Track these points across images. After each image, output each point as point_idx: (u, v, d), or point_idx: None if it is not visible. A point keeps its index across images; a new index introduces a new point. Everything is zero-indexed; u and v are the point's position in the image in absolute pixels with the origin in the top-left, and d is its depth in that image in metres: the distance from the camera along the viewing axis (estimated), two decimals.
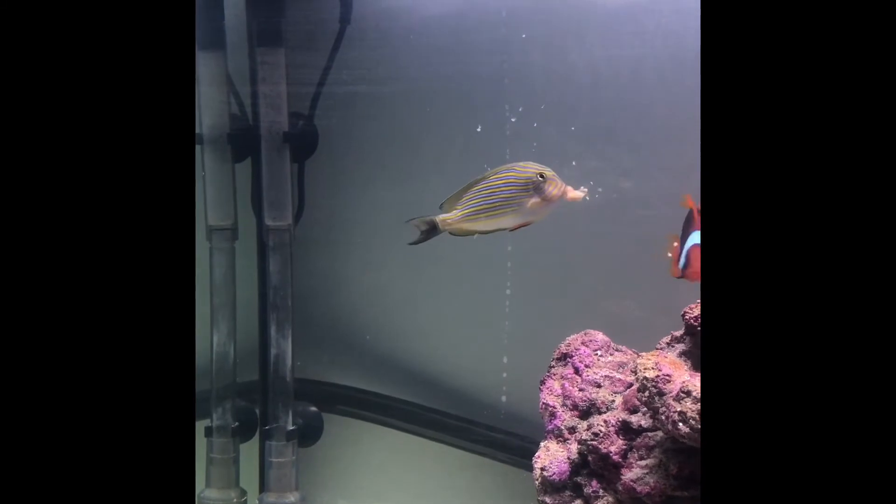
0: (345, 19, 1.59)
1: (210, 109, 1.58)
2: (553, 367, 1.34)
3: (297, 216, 1.65)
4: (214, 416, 1.64)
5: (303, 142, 1.63)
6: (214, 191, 1.61)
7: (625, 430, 1.19)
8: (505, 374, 1.65)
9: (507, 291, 1.64)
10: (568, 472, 1.22)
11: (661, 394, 1.08)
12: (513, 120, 1.59)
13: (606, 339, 1.36)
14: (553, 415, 1.29)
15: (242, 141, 1.60)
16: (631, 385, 1.26)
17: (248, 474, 1.67)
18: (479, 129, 1.60)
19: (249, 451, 1.68)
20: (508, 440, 1.62)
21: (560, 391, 1.30)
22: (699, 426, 1.04)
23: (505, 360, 1.65)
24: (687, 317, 1.16)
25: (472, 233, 1.24)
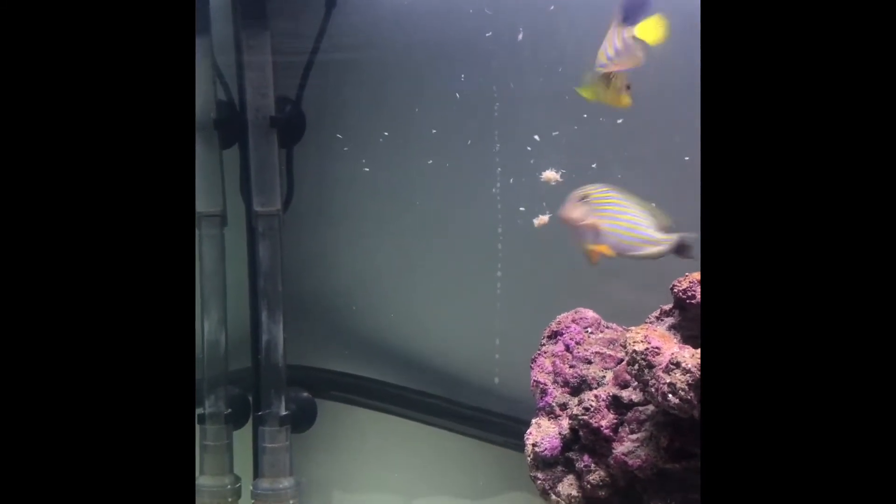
0: (331, 2, 1.59)
1: (196, 96, 1.57)
2: (544, 344, 1.35)
3: (287, 202, 1.65)
4: (207, 404, 1.63)
5: (290, 127, 1.63)
6: (202, 178, 1.60)
7: (616, 404, 1.19)
8: (497, 356, 1.65)
9: (498, 273, 1.64)
10: (559, 448, 1.23)
11: (650, 366, 1.08)
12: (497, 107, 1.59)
13: (597, 316, 1.37)
14: (544, 392, 1.29)
15: (230, 127, 1.60)
16: (622, 360, 1.26)
17: (243, 461, 1.67)
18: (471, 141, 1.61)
19: (244, 439, 1.68)
20: (502, 422, 1.62)
21: (551, 368, 1.30)
22: (689, 397, 1.04)
23: (497, 341, 1.64)
24: (675, 290, 1.16)
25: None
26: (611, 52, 1.22)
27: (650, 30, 1.21)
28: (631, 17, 1.22)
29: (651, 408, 1.15)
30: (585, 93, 1.28)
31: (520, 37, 1.55)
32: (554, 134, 1.57)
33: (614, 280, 1.57)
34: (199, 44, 1.55)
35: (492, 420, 1.63)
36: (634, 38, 1.20)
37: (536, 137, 1.55)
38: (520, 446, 1.31)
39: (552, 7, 1.54)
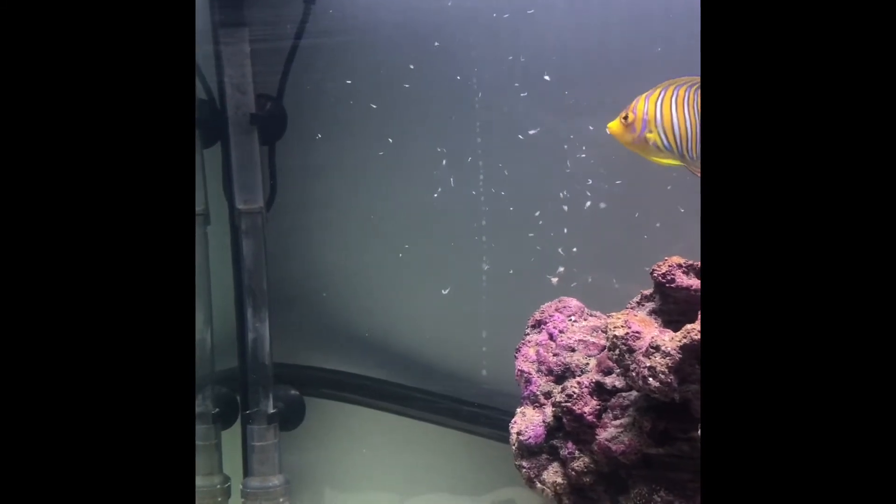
0: None
1: None
2: (528, 334, 1.35)
3: (270, 199, 1.65)
4: (195, 403, 1.63)
5: (271, 124, 1.63)
6: None
7: (599, 390, 1.19)
8: (484, 349, 1.64)
9: (484, 266, 1.64)
10: (544, 436, 1.22)
11: (630, 351, 1.08)
12: (480, 95, 1.59)
13: (580, 304, 1.36)
14: (528, 381, 1.28)
15: (211, 125, 1.59)
16: (605, 348, 1.26)
17: (233, 460, 1.67)
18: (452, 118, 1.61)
19: (233, 438, 1.67)
20: (490, 414, 1.62)
21: (535, 357, 1.30)
22: (669, 380, 1.04)
23: (484, 334, 1.64)
24: (655, 274, 1.16)
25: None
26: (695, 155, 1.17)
27: None
28: None
29: (634, 393, 1.15)
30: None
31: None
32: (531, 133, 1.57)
33: (601, 271, 1.57)
34: None
35: (480, 412, 1.63)
36: None
37: (547, 77, 1.54)
38: (507, 437, 1.30)
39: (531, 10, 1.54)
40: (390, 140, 1.64)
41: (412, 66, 1.60)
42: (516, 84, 1.57)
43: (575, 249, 1.58)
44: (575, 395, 1.18)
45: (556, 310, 1.35)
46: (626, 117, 1.19)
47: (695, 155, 1.17)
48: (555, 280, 1.40)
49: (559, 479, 1.20)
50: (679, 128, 1.16)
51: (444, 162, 1.63)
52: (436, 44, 1.58)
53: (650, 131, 1.18)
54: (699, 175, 1.15)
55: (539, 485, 1.22)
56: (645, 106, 1.17)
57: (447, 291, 1.63)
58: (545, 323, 1.33)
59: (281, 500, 1.61)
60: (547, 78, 1.54)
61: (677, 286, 1.14)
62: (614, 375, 1.19)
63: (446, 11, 1.57)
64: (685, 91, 1.15)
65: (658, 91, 1.17)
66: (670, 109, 1.16)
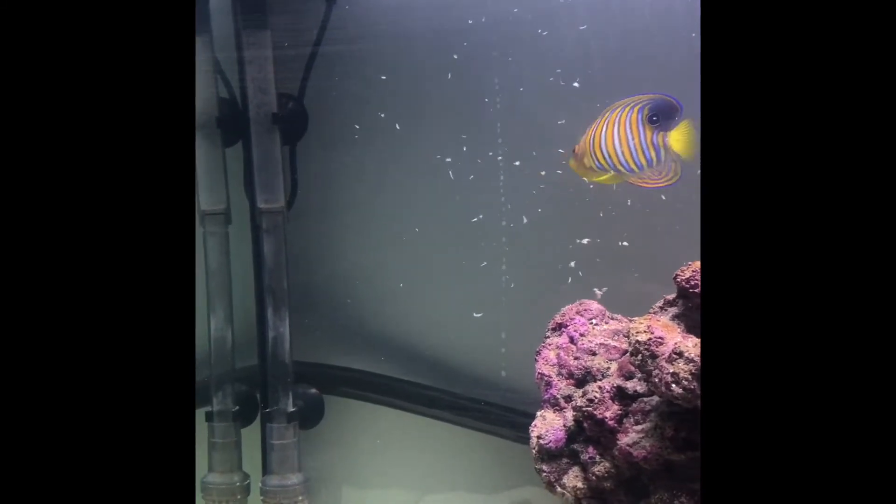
0: None
1: (198, 94, 1.57)
2: (548, 337, 1.34)
3: (291, 198, 1.65)
4: (215, 401, 1.64)
5: (293, 123, 1.63)
6: (206, 176, 1.61)
7: (620, 395, 1.18)
8: (503, 350, 1.64)
9: (503, 267, 1.63)
10: (564, 440, 1.22)
11: (653, 356, 1.07)
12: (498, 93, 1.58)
13: (601, 307, 1.36)
14: (549, 384, 1.28)
15: (232, 125, 1.60)
16: (626, 352, 1.25)
17: (253, 459, 1.67)
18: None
19: (252, 436, 1.68)
20: (509, 416, 1.61)
21: (555, 360, 1.29)
22: (692, 387, 1.03)
23: (503, 335, 1.64)
24: (678, 279, 1.15)
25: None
26: (641, 160, 1.20)
27: (683, 140, 1.17)
28: (660, 118, 1.20)
29: (656, 398, 1.14)
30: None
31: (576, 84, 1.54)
32: (560, 122, 1.55)
33: (623, 272, 1.56)
34: (200, 41, 1.55)
35: (499, 414, 1.62)
36: (667, 146, 1.19)
37: (576, 84, 1.53)
38: (527, 439, 1.30)
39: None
40: (409, 140, 1.64)
41: (455, 56, 1.58)
42: (546, 93, 1.55)
43: (625, 243, 1.56)
44: (596, 400, 1.17)
45: (578, 312, 1.34)
46: (573, 150, 1.32)
47: (633, 168, 1.25)
48: (599, 293, 1.41)
49: (580, 484, 1.19)
50: (606, 147, 1.24)
51: (464, 163, 1.62)
52: (464, 43, 1.57)
53: (586, 156, 1.29)
54: (638, 184, 1.27)
55: (559, 489, 1.21)
56: (584, 136, 1.29)
57: (479, 315, 1.64)
58: (566, 326, 1.32)
59: (300, 498, 1.62)
60: (576, 85, 1.52)
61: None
62: (636, 380, 1.18)
63: (475, 20, 1.56)
64: (616, 114, 1.24)
65: (597, 119, 1.27)
66: (601, 133, 1.25)
